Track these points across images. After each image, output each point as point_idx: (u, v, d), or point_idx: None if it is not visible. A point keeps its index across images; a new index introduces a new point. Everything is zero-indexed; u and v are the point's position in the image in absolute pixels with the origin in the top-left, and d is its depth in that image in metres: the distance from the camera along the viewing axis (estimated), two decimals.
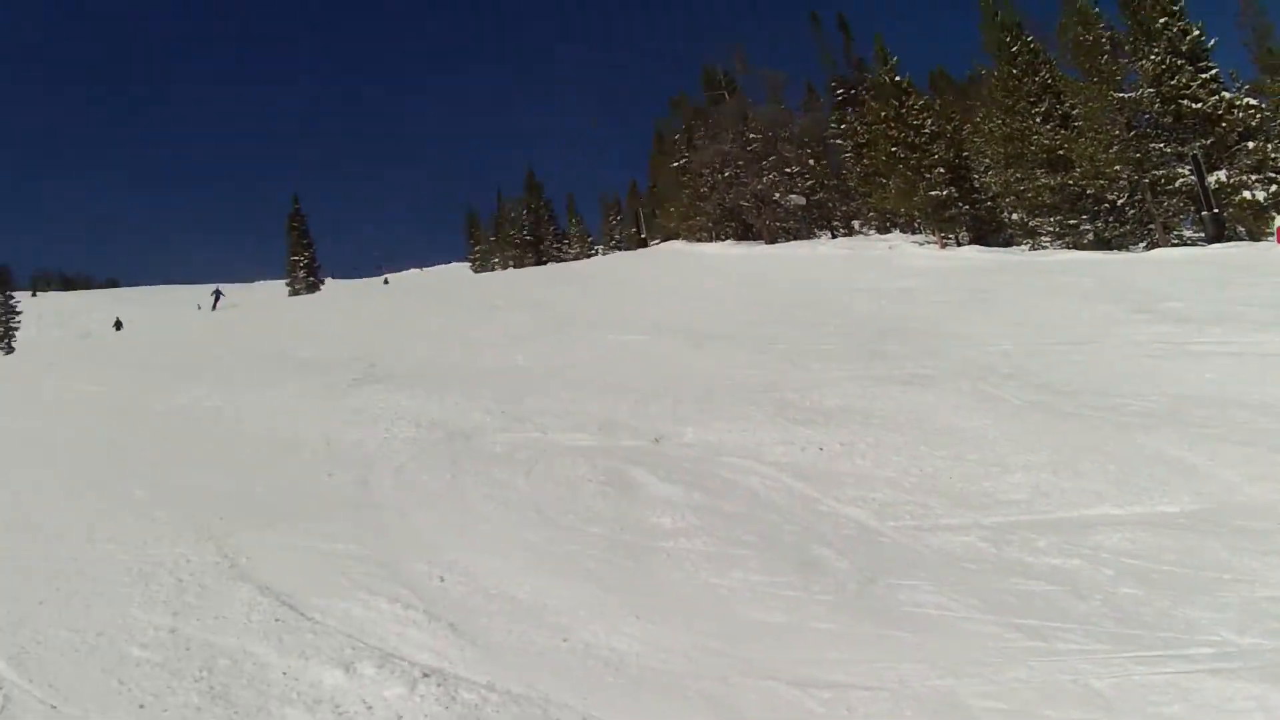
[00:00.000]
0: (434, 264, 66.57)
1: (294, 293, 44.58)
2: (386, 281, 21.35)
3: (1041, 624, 2.75)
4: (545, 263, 42.01)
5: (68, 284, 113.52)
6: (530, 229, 47.83)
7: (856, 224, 27.80)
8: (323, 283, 47.15)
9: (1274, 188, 17.91)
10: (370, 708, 2.64)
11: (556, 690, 2.65)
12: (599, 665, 2.82)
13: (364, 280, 61.82)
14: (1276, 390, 5.25)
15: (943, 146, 23.31)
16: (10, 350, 43.52)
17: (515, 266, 42.62)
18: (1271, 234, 15.45)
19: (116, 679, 3.05)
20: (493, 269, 44.95)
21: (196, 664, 3.09)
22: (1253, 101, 18.97)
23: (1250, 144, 18.53)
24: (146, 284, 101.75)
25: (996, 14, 23.14)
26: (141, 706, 2.85)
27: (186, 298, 59.80)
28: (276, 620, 3.34)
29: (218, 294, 33.40)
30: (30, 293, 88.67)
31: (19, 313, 48.98)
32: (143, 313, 41.17)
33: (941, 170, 22.67)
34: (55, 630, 3.56)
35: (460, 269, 50.58)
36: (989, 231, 23.29)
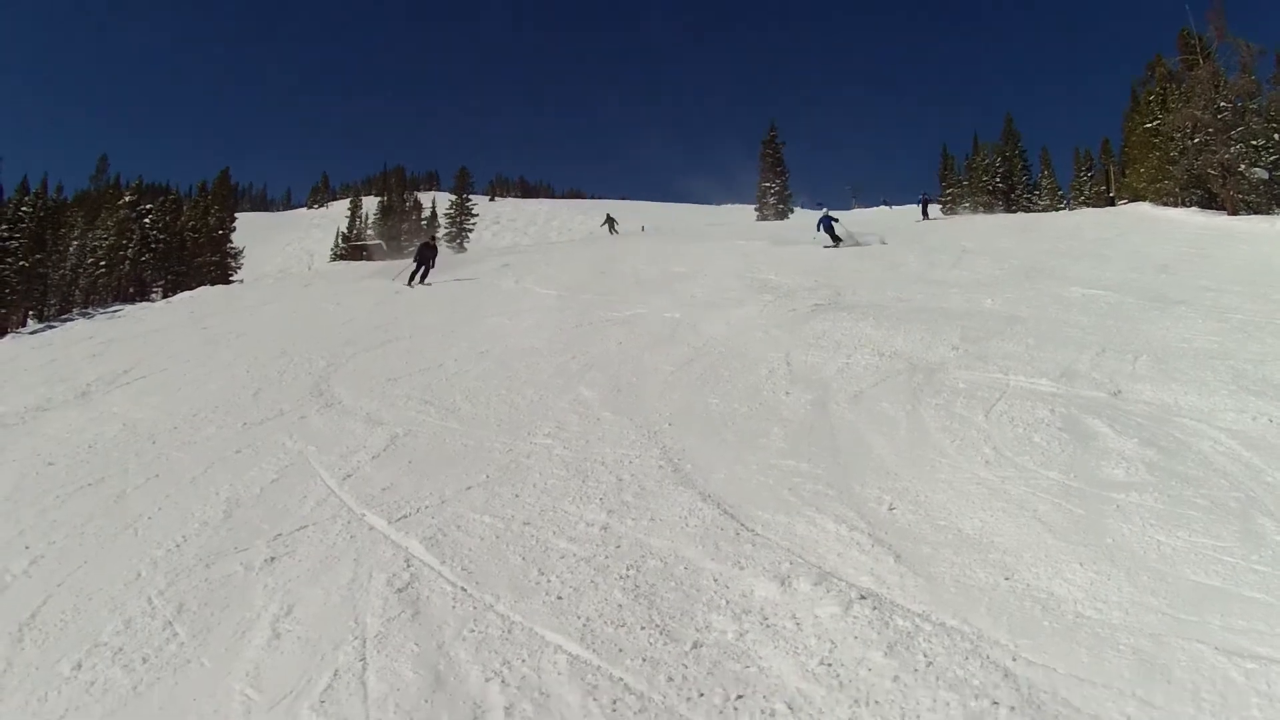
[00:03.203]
0: (903, 204, 64.20)
1: (761, 218, 46.65)
2: (832, 218, 19.30)
3: None
4: (1014, 212, 40.88)
5: (527, 191, 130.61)
6: (1003, 177, 46.92)
7: None
8: (792, 211, 48.05)
9: None
10: (799, 624, 2.64)
11: (990, 627, 2.64)
12: (1036, 607, 2.75)
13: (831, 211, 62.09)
14: None
15: None
16: (463, 249, 51.09)
17: (985, 212, 41.47)
18: None
19: (536, 569, 3.11)
20: (961, 213, 43.60)
21: (625, 563, 3.13)
22: None
23: None
24: (606, 197, 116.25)
25: None
26: (559, 598, 2.87)
27: (645, 213, 65.21)
28: (715, 528, 3.39)
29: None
30: (489, 197, 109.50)
31: (475, 215, 57.19)
32: (594, 226, 47.02)
33: None
34: (478, 516, 3.65)
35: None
36: None
